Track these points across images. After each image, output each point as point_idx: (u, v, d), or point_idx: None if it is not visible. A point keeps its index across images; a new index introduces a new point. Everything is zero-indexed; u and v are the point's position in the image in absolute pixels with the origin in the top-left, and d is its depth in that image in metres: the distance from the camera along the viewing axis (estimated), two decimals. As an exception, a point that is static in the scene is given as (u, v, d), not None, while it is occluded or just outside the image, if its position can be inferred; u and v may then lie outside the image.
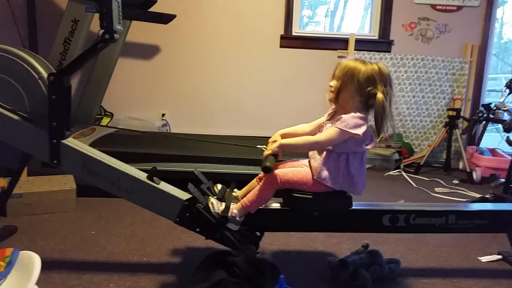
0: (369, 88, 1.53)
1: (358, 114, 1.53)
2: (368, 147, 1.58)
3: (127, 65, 3.75)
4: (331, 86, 1.59)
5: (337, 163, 1.58)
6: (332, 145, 1.56)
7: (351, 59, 1.59)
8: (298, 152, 1.67)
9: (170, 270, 1.78)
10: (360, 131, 1.51)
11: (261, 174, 1.75)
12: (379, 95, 1.51)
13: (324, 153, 1.59)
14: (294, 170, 1.62)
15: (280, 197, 1.73)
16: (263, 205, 1.68)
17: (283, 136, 1.70)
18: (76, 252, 1.90)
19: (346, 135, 1.52)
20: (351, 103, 1.55)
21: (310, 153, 1.67)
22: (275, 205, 1.72)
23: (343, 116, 1.53)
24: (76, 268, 1.74)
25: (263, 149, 1.65)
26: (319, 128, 1.69)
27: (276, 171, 1.61)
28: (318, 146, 1.59)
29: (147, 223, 2.25)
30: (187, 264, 1.82)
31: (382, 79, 1.53)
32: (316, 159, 1.62)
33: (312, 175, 1.60)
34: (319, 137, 1.59)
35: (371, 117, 1.58)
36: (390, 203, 1.89)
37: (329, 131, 1.55)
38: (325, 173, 1.58)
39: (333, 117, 1.63)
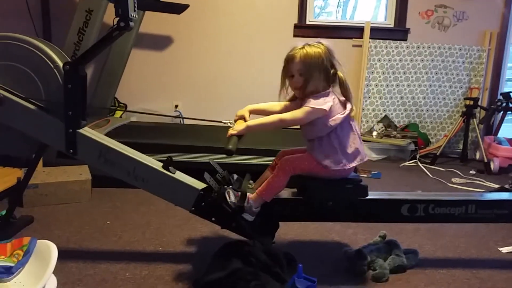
0: (332, 70, 1.59)
1: (321, 92, 1.58)
2: (345, 114, 1.59)
3: (140, 57, 3.74)
4: (294, 82, 1.62)
5: (330, 144, 1.59)
6: (299, 123, 1.60)
7: (298, 47, 1.61)
8: (264, 130, 1.67)
9: (185, 259, 1.77)
10: (326, 106, 1.54)
11: (273, 163, 1.74)
12: (340, 74, 1.60)
13: (315, 142, 1.61)
14: (307, 156, 1.63)
15: (294, 187, 1.72)
16: (278, 195, 1.67)
17: (252, 112, 1.72)
18: (92, 242, 1.91)
19: (316, 113, 1.55)
20: (319, 88, 1.59)
21: (308, 147, 1.67)
22: (290, 195, 1.71)
23: (310, 98, 1.58)
24: (93, 258, 1.75)
25: (229, 124, 1.64)
26: (287, 110, 1.69)
27: (289, 157, 1.63)
28: (284, 124, 1.60)
29: (162, 213, 2.25)
30: (202, 254, 1.82)
31: (333, 55, 1.60)
32: (312, 149, 1.63)
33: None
34: (285, 115, 1.59)
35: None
36: (409, 192, 1.86)
37: (297, 110, 1.58)
38: (325, 160, 1.59)
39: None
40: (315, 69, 1.58)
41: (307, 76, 1.58)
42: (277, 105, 1.74)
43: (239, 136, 1.58)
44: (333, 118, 1.57)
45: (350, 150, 1.60)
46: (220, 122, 1.74)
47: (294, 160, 1.62)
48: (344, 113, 1.59)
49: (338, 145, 1.59)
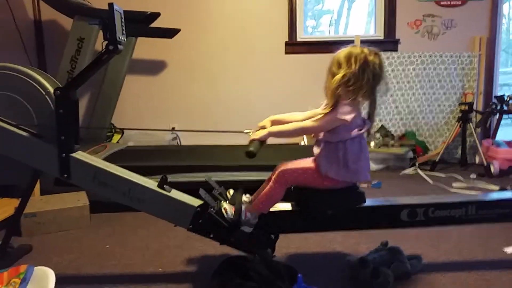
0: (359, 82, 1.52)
1: (347, 101, 1.53)
2: (361, 131, 1.57)
3: (135, 82, 3.78)
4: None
5: (335, 152, 1.57)
6: (321, 131, 1.56)
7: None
8: (287, 138, 1.64)
9: (186, 279, 1.75)
10: (348, 117, 1.51)
11: (271, 176, 1.73)
12: (336, 77, 1.51)
13: (322, 145, 1.59)
14: (302, 167, 1.62)
15: (292, 198, 1.71)
16: (276, 207, 1.66)
17: (274, 122, 1.68)
18: (91, 267, 1.89)
19: (336, 122, 1.52)
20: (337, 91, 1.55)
21: (314, 149, 1.66)
22: (288, 206, 1.70)
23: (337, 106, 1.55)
24: (92, 282, 1.73)
25: (250, 134, 1.62)
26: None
27: (284, 168, 1.61)
28: (306, 132, 1.59)
29: (161, 234, 2.23)
30: (203, 272, 1.79)
31: (349, 60, 1.52)
32: (316, 153, 1.62)
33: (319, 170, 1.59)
34: (306, 123, 1.57)
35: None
36: (408, 197, 1.84)
37: (318, 118, 1.55)
38: (326, 166, 1.58)
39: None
40: (329, 68, 1.57)
41: (328, 75, 1.57)
42: (300, 114, 1.72)
43: (261, 142, 1.56)
44: (351, 131, 1.55)
45: (351, 166, 1.57)
46: (242, 132, 1.71)
47: (291, 170, 1.61)
48: (361, 130, 1.57)
49: (342, 157, 1.56)
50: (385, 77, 1.58)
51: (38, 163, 1.68)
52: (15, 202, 2.40)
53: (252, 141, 1.56)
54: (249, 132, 1.64)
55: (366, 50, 1.54)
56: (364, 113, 1.62)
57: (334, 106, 1.54)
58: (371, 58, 1.53)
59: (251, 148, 1.51)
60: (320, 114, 1.57)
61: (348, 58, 1.53)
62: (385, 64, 3.68)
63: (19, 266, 1.48)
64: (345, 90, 1.52)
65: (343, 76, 1.50)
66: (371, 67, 1.52)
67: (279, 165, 1.71)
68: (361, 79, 1.52)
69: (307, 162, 1.65)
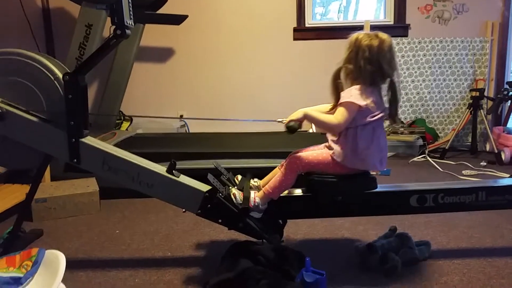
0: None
1: (359, 86, 1.54)
2: (373, 119, 1.54)
3: (143, 69, 3.78)
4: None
5: (346, 138, 1.57)
6: (345, 125, 1.54)
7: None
8: (318, 127, 1.65)
9: (195, 263, 1.77)
10: (363, 102, 1.51)
11: (283, 161, 1.73)
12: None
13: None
14: (315, 153, 1.63)
15: (302, 184, 1.70)
16: (286, 192, 1.66)
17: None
18: (101, 251, 1.91)
19: (355, 107, 1.51)
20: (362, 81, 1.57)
21: (328, 135, 1.66)
22: (298, 192, 1.70)
23: (342, 93, 1.57)
24: (102, 266, 1.75)
25: (283, 122, 1.63)
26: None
27: (297, 154, 1.62)
28: (338, 129, 1.56)
29: (170, 219, 2.24)
30: (211, 257, 1.81)
31: (352, 46, 1.56)
32: (331, 139, 1.64)
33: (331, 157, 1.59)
34: (337, 119, 1.54)
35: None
36: (417, 183, 1.83)
37: (340, 112, 1.54)
38: (338, 152, 1.58)
39: None
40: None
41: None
42: (329, 106, 1.70)
43: (299, 122, 1.57)
44: (363, 118, 1.54)
45: (360, 153, 1.56)
46: (275, 121, 1.71)
47: (303, 156, 1.60)
48: (374, 117, 1.55)
49: (351, 142, 1.56)
50: (386, 62, 1.54)
51: (48, 148, 1.68)
52: (26, 188, 2.43)
53: (290, 121, 1.56)
54: (282, 120, 1.64)
55: (363, 34, 1.56)
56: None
57: (338, 96, 1.57)
58: (365, 42, 1.53)
59: (291, 123, 1.54)
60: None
61: (347, 45, 1.58)
62: (394, 50, 3.67)
63: (31, 249, 1.50)
64: (347, 78, 1.58)
65: (342, 67, 1.59)
66: (361, 51, 1.53)
67: (293, 151, 1.70)
68: (355, 65, 1.54)
69: (320, 149, 1.66)
